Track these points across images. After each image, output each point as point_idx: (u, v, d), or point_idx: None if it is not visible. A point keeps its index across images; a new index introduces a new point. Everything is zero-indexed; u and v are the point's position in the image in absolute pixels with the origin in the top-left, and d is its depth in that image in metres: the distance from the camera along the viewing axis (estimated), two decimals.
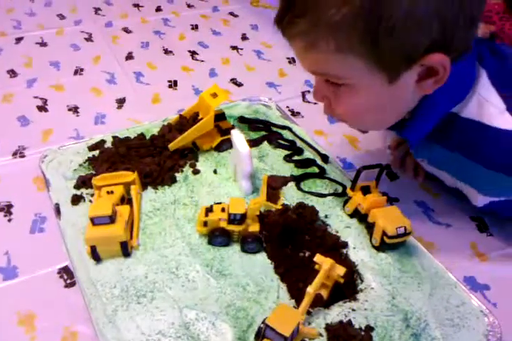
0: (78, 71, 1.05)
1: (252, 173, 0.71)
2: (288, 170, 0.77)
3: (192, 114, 0.78)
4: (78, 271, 0.62)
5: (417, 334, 0.56)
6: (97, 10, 1.28)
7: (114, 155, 0.75)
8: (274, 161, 0.78)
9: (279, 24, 0.55)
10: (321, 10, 0.50)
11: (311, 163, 0.78)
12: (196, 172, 0.75)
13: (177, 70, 1.07)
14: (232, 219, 0.63)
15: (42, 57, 1.08)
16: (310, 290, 0.55)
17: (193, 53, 1.13)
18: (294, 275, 0.62)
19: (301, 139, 0.82)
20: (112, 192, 0.66)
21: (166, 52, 1.13)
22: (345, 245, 0.66)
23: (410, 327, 0.57)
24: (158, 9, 1.31)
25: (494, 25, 1.17)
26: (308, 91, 1.00)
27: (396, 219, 0.63)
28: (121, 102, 0.96)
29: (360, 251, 0.65)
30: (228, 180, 0.75)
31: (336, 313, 0.58)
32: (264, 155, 0.79)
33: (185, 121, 0.77)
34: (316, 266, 0.58)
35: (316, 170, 0.77)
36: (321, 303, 0.58)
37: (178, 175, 0.75)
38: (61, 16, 1.24)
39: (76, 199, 0.70)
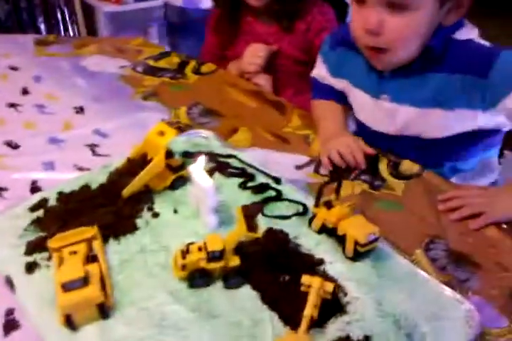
0: None
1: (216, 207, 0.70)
2: (246, 197, 0.77)
3: (140, 156, 0.75)
4: None
5: (409, 333, 0.58)
6: None
7: (63, 213, 0.69)
8: (230, 190, 0.78)
9: None
10: None
11: (266, 187, 0.78)
12: (156, 215, 0.72)
13: None
14: (212, 257, 0.61)
15: None
16: (308, 313, 0.55)
17: None
18: (282, 302, 0.61)
19: (249, 165, 0.83)
20: (74, 252, 0.61)
21: None
22: (321, 262, 0.66)
23: (402, 328, 0.59)
24: None
25: None
26: None
27: (364, 227, 0.65)
28: None
29: (336, 264, 0.66)
30: (190, 218, 0.72)
31: (334, 330, 0.58)
32: (219, 187, 0.77)
33: (135, 164, 0.74)
34: (302, 288, 0.58)
35: (272, 193, 0.77)
36: (312, 323, 0.57)
37: (139, 222, 0.71)
38: None
39: (30, 267, 0.64)
